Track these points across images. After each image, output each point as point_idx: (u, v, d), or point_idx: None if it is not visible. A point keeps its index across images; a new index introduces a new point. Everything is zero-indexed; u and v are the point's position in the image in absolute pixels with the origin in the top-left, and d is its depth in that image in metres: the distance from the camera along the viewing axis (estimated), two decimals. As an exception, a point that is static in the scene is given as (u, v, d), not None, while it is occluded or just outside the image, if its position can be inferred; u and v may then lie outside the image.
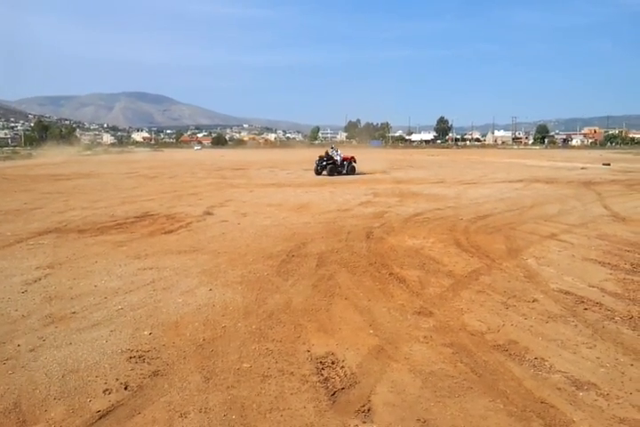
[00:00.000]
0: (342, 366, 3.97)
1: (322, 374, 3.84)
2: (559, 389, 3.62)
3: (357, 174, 24.96)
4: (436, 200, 14.34)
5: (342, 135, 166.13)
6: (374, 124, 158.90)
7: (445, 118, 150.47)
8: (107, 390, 3.58)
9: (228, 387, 3.60)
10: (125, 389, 3.59)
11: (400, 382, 3.74)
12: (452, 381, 3.75)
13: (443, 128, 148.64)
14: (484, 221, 10.68)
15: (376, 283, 6.18)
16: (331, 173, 24.31)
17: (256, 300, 5.51)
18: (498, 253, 7.72)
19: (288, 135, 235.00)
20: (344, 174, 24.45)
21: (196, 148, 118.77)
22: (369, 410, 3.36)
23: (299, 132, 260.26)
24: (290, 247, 7.99)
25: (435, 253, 7.66)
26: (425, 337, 4.54)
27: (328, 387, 3.65)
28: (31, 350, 4.27)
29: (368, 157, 36.57)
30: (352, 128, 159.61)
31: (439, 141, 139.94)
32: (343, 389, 3.64)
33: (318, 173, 24.72)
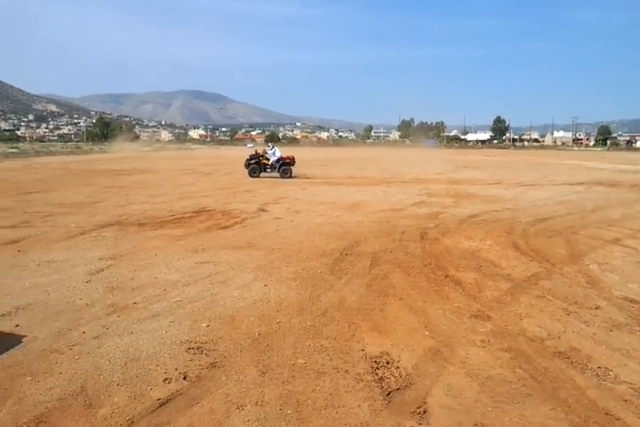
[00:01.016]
0: (397, 367, 3.94)
1: (376, 374, 3.83)
2: (625, 400, 3.48)
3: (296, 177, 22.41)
4: (494, 202, 14.02)
5: (395, 134, 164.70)
6: (428, 123, 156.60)
7: (502, 118, 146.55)
8: (166, 379, 3.69)
9: (284, 382, 3.64)
10: (184, 379, 3.68)
11: (456, 385, 3.68)
12: (510, 386, 3.66)
13: (499, 128, 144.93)
14: (544, 224, 10.37)
15: (431, 284, 6.10)
16: (251, 174, 22.01)
17: (310, 297, 5.54)
18: (558, 257, 7.48)
19: (340, 134, 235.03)
20: (287, 177, 21.80)
21: (248, 145, 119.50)
22: (425, 412, 3.32)
23: (351, 130, 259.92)
24: (343, 246, 8.00)
25: (492, 256, 7.49)
26: (482, 341, 4.45)
27: (383, 387, 3.64)
28: (95, 338, 4.44)
29: (421, 156, 36.16)
30: (405, 127, 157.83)
31: (495, 142, 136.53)
32: (398, 389, 3.62)
33: (251, 174, 22.16)
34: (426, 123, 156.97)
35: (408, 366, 3.97)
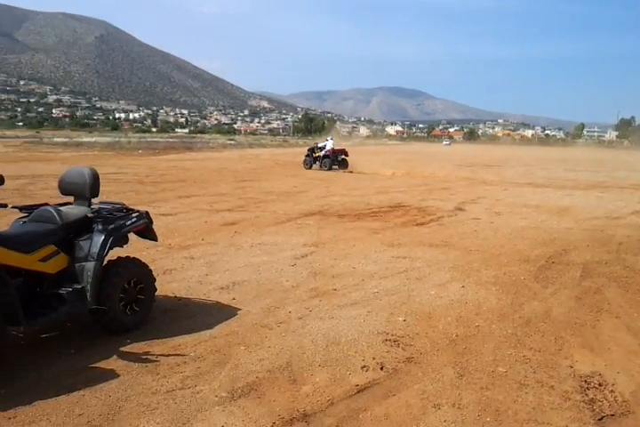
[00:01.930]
0: (612, 391, 3.54)
1: (586, 395, 3.48)
2: None
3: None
4: None
5: (612, 134, 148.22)
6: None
7: None
8: (364, 366, 3.79)
9: (482, 388, 3.50)
10: (381, 369, 3.75)
11: (687, 423, 3.18)
12: None
13: None
14: None
15: (655, 304, 5.36)
16: (304, 166, 23.18)
17: (512, 304, 5.25)
18: None
19: (547, 132, 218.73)
20: (334, 169, 22.45)
21: (444, 142, 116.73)
22: (646, 448, 2.93)
23: (560, 129, 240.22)
24: (549, 253, 7.43)
25: None
26: None
27: (594, 410, 3.29)
28: (299, 318, 4.75)
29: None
30: (624, 127, 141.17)
31: None
32: (613, 416, 3.24)
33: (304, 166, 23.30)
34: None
35: (625, 391, 3.53)
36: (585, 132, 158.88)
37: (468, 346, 4.19)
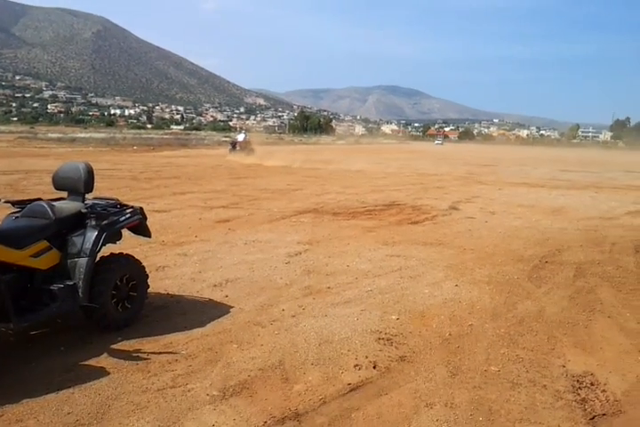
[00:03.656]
0: (604, 390, 3.54)
1: (578, 394, 3.47)
2: None
3: None
4: None
5: (606, 135, 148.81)
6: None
7: None
8: (357, 365, 3.77)
9: (475, 387, 3.49)
10: (374, 368, 3.73)
11: (678, 423, 3.18)
12: None
13: None
14: None
15: (648, 305, 5.38)
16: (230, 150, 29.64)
17: (505, 303, 5.25)
18: None
19: (542, 132, 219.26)
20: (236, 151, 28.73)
21: (436, 142, 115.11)
22: (638, 448, 2.93)
23: (554, 129, 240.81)
24: (543, 253, 7.43)
25: None
26: None
27: (586, 409, 3.29)
28: (293, 316, 4.73)
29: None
30: (619, 128, 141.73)
31: None
32: (604, 415, 3.24)
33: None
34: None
35: (617, 391, 3.54)
36: (580, 133, 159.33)
37: (461, 345, 4.18)
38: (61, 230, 4.01)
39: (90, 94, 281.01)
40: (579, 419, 3.18)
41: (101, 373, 3.52)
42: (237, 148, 29.35)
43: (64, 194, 4.45)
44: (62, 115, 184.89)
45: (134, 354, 3.81)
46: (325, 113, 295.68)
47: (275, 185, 15.44)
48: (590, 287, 5.87)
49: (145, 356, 3.79)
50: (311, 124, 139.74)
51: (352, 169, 22.73)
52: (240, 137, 31.31)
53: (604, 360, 4.02)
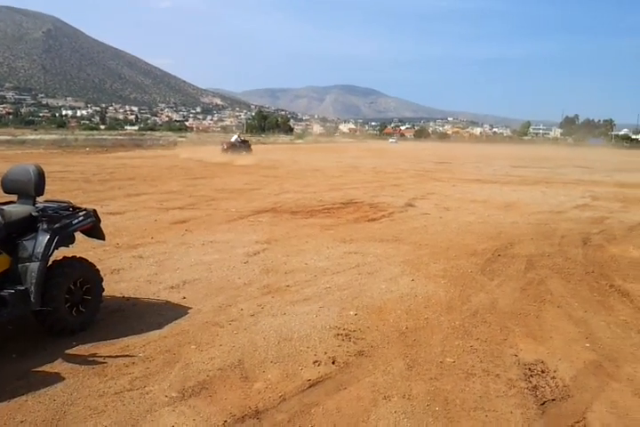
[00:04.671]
0: (553, 377, 3.69)
1: (530, 381, 3.61)
2: None
3: None
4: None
5: (556, 132, 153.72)
6: (595, 120, 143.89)
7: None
8: (316, 361, 3.81)
9: (431, 378, 3.58)
10: (333, 363, 3.78)
11: (622, 404, 3.34)
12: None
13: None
14: None
15: (594, 294, 5.61)
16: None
17: (459, 296, 5.39)
18: None
19: (495, 130, 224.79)
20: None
21: (390, 140, 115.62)
22: (584, 427, 3.07)
23: (507, 126, 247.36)
24: (495, 246, 7.66)
25: (669, 269, 6.69)
26: (655, 361, 4.00)
27: (537, 395, 3.42)
28: (252, 315, 4.73)
29: (583, 156, 33.35)
30: (568, 125, 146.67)
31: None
32: (554, 400, 3.38)
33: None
34: (592, 120, 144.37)
35: (566, 377, 3.69)
36: (531, 130, 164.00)
37: (418, 338, 4.28)
38: (11, 234, 3.90)
39: (40, 95, 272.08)
40: (530, 405, 3.31)
41: (56, 378, 3.44)
42: (225, 147, 33.07)
43: (14, 197, 4.33)
44: (11, 116, 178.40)
45: (90, 358, 3.74)
46: (283, 112, 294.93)
47: (232, 185, 15.34)
48: (541, 279, 6.09)
49: (101, 360, 3.73)
50: (269, 123, 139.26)
51: (310, 168, 22.80)
52: (233, 139, 35.57)
53: (554, 348, 4.18)
